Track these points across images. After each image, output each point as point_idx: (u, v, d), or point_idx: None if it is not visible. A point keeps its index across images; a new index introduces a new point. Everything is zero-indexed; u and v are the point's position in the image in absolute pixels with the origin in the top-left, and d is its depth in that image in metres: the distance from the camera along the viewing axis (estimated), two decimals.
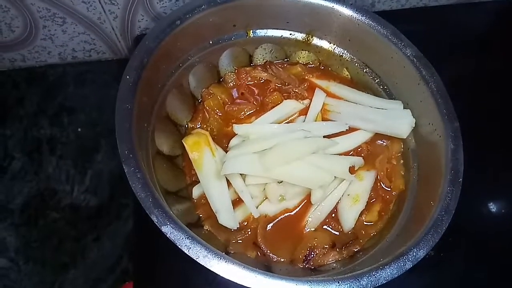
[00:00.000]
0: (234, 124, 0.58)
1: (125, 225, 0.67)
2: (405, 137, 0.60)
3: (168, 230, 0.42)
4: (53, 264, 0.65)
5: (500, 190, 0.69)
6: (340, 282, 0.40)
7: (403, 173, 0.59)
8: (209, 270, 0.41)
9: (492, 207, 0.66)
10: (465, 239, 0.63)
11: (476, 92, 0.76)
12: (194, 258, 0.41)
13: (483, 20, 0.87)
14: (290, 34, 0.66)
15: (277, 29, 0.65)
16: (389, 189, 0.58)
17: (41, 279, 0.65)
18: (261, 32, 0.65)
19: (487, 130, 0.71)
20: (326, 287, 0.40)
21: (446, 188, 0.48)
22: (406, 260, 0.42)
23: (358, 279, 0.41)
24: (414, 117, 0.59)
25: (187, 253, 0.41)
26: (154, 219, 0.42)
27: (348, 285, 0.40)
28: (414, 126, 0.59)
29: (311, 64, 0.69)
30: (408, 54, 0.57)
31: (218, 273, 0.41)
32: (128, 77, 0.48)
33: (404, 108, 0.61)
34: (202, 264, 0.41)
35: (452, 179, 0.48)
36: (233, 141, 0.59)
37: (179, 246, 0.41)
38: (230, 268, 0.41)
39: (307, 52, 0.68)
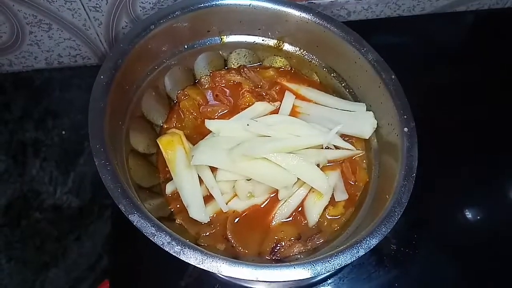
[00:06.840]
0: (206, 120, 0.60)
1: (106, 225, 0.68)
2: (367, 138, 0.62)
3: (135, 218, 0.44)
4: (35, 263, 0.66)
5: (474, 196, 0.71)
6: (295, 267, 0.43)
7: (366, 170, 0.61)
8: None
9: (467, 212, 0.69)
10: (431, 237, 0.66)
11: (450, 101, 0.79)
12: (159, 245, 0.43)
13: (457, 30, 0.91)
14: (263, 40, 0.69)
15: (250, 35, 0.69)
16: (354, 183, 0.61)
17: (22, 278, 0.65)
18: (235, 38, 0.68)
19: (461, 139, 0.74)
20: (281, 272, 0.42)
21: (400, 182, 0.50)
22: (359, 248, 0.45)
23: (313, 265, 0.43)
24: (376, 119, 0.62)
25: (153, 240, 0.43)
26: (122, 208, 0.44)
27: (303, 269, 0.43)
28: (376, 127, 0.62)
29: (283, 68, 0.72)
30: (370, 59, 0.60)
31: (182, 259, 0.43)
32: (102, 77, 0.51)
33: (367, 110, 0.63)
34: (167, 250, 0.43)
35: (406, 174, 0.51)
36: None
37: (145, 234, 0.44)
38: (194, 254, 0.43)
39: (279, 57, 0.71)
